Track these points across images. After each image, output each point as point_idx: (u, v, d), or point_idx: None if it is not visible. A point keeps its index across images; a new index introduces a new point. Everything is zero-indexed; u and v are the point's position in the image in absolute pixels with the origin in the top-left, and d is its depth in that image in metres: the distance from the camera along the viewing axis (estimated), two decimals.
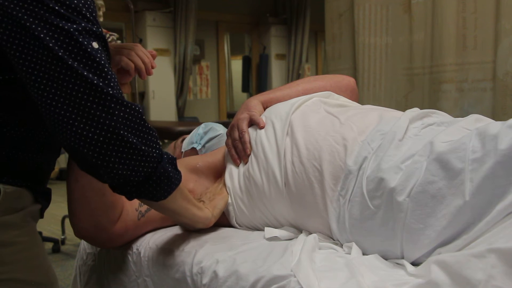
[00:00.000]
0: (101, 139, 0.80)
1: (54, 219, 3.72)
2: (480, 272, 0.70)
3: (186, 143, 1.54)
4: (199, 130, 1.55)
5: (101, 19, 3.01)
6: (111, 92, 0.80)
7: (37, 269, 0.90)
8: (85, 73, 0.78)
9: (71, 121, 0.79)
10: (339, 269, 0.88)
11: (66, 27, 0.78)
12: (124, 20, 6.00)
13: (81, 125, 0.79)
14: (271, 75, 7.79)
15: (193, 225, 1.11)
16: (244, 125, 1.23)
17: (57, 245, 3.22)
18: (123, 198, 1.13)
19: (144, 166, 0.85)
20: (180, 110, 6.70)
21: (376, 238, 0.95)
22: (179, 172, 0.93)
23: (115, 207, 1.09)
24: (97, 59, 0.80)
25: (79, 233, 1.09)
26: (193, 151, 1.51)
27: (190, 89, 7.03)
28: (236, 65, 8.69)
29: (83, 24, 0.80)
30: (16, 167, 0.88)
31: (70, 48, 0.78)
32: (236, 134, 1.22)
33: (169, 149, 1.62)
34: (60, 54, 0.77)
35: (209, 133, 1.53)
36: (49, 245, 3.23)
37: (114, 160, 0.82)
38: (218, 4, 7.21)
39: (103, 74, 0.80)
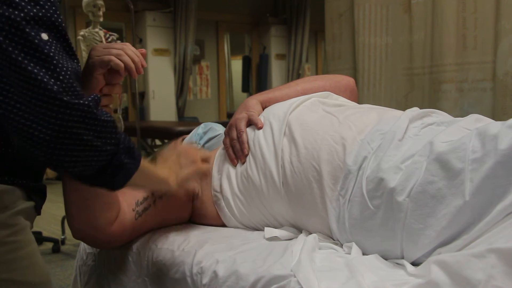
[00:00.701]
0: (47, 138, 0.77)
1: (54, 219, 3.72)
2: (480, 272, 0.70)
3: (186, 143, 1.54)
4: (199, 130, 1.55)
5: (101, 19, 3.01)
6: (56, 89, 0.76)
7: (30, 268, 0.89)
8: (30, 68, 0.74)
9: (17, 118, 0.76)
10: (339, 269, 0.88)
11: (12, 16, 0.74)
12: (124, 20, 6.01)
13: (28, 122, 0.76)
14: (271, 75, 7.79)
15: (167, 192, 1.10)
16: (242, 125, 1.23)
17: (57, 245, 3.22)
18: (120, 198, 1.13)
19: (97, 160, 0.83)
20: (180, 110, 6.71)
21: (376, 238, 0.95)
22: (136, 158, 0.90)
23: (112, 208, 1.09)
24: (45, 51, 0.76)
25: (76, 235, 1.09)
26: None
27: (190, 89, 7.03)
28: (236, 65, 8.69)
29: (33, 11, 0.76)
30: (5, 165, 0.87)
31: (16, 39, 0.74)
32: (234, 134, 1.22)
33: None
34: (4, 46, 0.73)
35: (209, 133, 1.53)
36: (49, 245, 3.23)
37: (64, 158, 0.80)
38: (218, 4, 7.21)
39: (51, 67, 0.76)
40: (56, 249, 3.20)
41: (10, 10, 0.74)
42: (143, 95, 6.33)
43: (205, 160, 1.19)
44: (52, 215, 3.77)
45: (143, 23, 6.18)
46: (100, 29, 3.03)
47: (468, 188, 0.83)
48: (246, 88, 7.91)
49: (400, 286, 0.79)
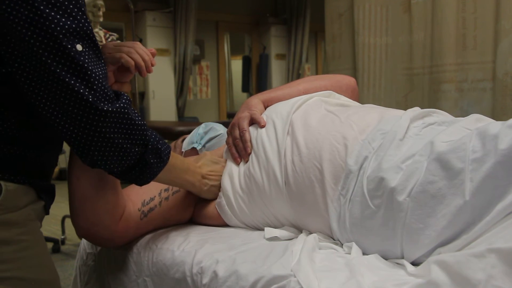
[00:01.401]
0: (83, 141, 0.87)
1: (54, 219, 3.71)
2: (480, 272, 0.70)
3: (186, 143, 1.54)
4: (199, 130, 1.55)
5: (101, 19, 3.02)
6: (92, 99, 0.83)
7: (39, 267, 0.91)
8: (67, 80, 0.81)
9: (57, 120, 0.84)
10: (339, 269, 0.88)
11: (50, 30, 0.78)
12: (124, 20, 6.01)
13: (66, 125, 0.85)
14: (271, 75, 7.79)
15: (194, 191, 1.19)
16: (245, 123, 1.23)
17: (57, 245, 3.22)
18: (126, 197, 1.13)
19: (126, 160, 0.92)
20: (180, 110, 6.70)
21: (376, 237, 0.95)
22: (162, 159, 0.99)
23: (117, 206, 1.09)
24: (80, 63, 0.82)
25: (80, 232, 1.09)
26: (193, 151, 1.51)
27: (190, 89, 7.03)
28: (236, 65, 8.69)
29: (68, 24, 0.80)
30: (18, 164, 0.88)
31: (54, 51, 0.79)
32: (237, 133, 1.22)
33: None
34: (43, 58, 0.79)
35: (209, 133, 1.53)
36: (49, 245, 3.23)
37: (97, 158, 0.90)
38: (218, 4, 7.21)
39: (86, 78, 0.83)
40: (56, 249, 3.20)
41: (47, 23, 0.78)
42: (143, 95, 6.33)
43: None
44: (52, 215, 3.75)
45: (143, 23, 6.18)
46: (100, 29, 3.03)
47: (468, 188, 0.83)
48: (246, 88, 7.90)
49: (400, 286, 0.79)
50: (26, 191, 0.89)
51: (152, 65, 1.06)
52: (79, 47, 0.82)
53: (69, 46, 0.80)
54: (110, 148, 0.89)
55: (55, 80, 0.80)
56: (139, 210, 1.15)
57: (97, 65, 0.85)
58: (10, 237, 0.85)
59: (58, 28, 0.79)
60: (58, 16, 0.79)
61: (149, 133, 0.94)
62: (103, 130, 0.86)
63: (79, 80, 0.82)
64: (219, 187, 1.21)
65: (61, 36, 0.79)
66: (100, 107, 0.84)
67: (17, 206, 0.87)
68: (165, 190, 1.19)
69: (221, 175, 1.22)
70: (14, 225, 0.86)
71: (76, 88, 0.82)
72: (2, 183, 0.85)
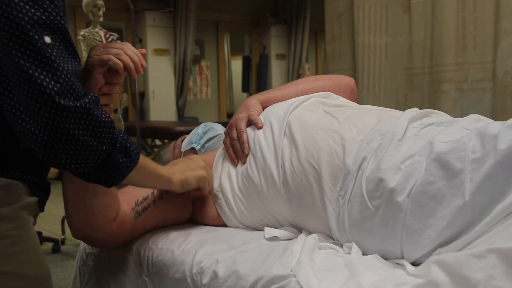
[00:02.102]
0: (45, 138, 0.81)
1: (54, 219, 3.72)
2: (480, 272, 0.70)
3: (186, 143, 1.54)
4: (199, 130, 1.55)
5: (101, 19, 3.01)
6: (55, 92, 0.79)
7: (31, 263, 0.90)
8: (31, 72, 0.78)
9: (15, 118, 0.81)
10: (339, 269, 0.88)
11: (17, 19, 0.76)
12: (124, 20, 6.01)
13: (30, 121, 0.80)
14: (271, 75, 7.79)
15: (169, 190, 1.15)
16: (242, 124, 1.23)
17: (57, 245, 3.22)
18: (120, 198, 1.13)
19: (93, 159, 0.87)
20: (180, 110, 6.71)
21: (376, 238, 0.95)
22: (132, 158, 0.94)
23: (111, 207, 1.09)
24: (47, 55, 0.79)
25: (75, 233, 1.09)
26: (192, 151, 1.51)
27: (190, 89, 7.03)
28: (236, 65, 8.69)
29: (37, 15, 0.78)
30: (9, 159, 0.87)
31: (19, 42, 0.77)
32: (234, 134, 1.22)
33: (169, 149, 1.62)
34: (8, 49, 0.77)
35: (209, 133, 1.53)
36: (49, 245, 3.23)
37: (61, 156, 0.84)
38: (218, 4, 7.21)
39: (52, 70, 0.79)
40: (56, 249, 3.20)
41: (15, 13, 0.76)
42: (143, 95, 6.33)
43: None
44: (52, 215, 3.77)
45: (143, 23, 6.18)
46: (100, 29, 3.03)
47: (468, 188, 0.83)
48: (246, 88, 7.90)
49: (400, 286, 0.79)
50: (19, 187, 0.89)
51: (142, 66, 1.05)
52: (47, 39, 0.79)
53: (36, 37, 0.78)
54: (75, 146, 0.84)
55: (19, 73, 0.77)
56: (133, 210, 1.14)
57: (66, 60, 0.82)
58: (1, 231, 0.85)
59: (26, 18, 0.77)
60: (27, 7, 0.77)
61: (117, 132, 0.91)
62: (66, 126, 0.81)
63: (44, 73, 0.78)
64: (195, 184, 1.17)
65: (28, 26, 0.77)
66: (63, 103, 0.80)
67: (8, 201, 0.87)
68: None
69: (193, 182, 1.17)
70: (5, 220, 0.86)
71: (39, 81, 0.78)
72: None
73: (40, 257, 0.93)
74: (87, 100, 0.83)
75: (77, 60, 0.85)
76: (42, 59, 0.78)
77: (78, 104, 0.82)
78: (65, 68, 0.81)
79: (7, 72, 0.79)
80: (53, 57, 0.79)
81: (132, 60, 1.02)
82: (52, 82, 0.79)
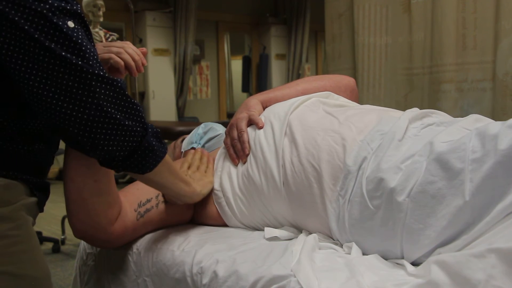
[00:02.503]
0: (85, 117, 0.83)
1: (54, 219, 3.72)
2: (480, 272, 0.70)
3: (186, 143, 1.54)
4: (199, 130, 1.55)
5: (101, 19, 3.02)
6: (90, 70, 0.82)
7: (30, 263, 0.90)
8: (63, 54, 0.80)
9: (54, 101, 0.81)
10: (339, 269, 0.88)
11: (39, 8, 0.78)
12: (124, 20, 6.01)
13: (65, 105, 0.81)
14: (271, 75, 7.79)
15: (179, 199, 1.13)
16: (243, 124, 1.23)
17: (57, 245, 3.22)
18: (122, 198, 1.13)
19: (129, 141, 0.87)
20: (180, 110, 6.70)
21: (376, 238, 0.95)
22: (164, 145, 0.95)
23: (113, 207, 1.09)
24: (74, 38, 0.81)
25: (77, 233, 1.09)
26: None
27: (190, 89, 7.03)
28: (236, 65, 8.69)
29: (55, 4, 0.80)
30: (9, 159, 0.88)
31: (45, 29, 0.79)
32: (235, 134, 1.22)
33: (169, 149, 1.62)
34: (36, 36, 0.78)
35: (209, 133, 1.53)
36: (49, 245, 3.23)
37: (99, 137, 0.85)
38: (218, 4, 7.21)
39: (81, 53, 0.81)
40: (56, 249, 3.20)
41: (36, 3, 0.78)
42: (143, 95, 6.33)
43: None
44: (52, 215, 3.77)
45: (143, 23, 6.18)
46: (100, 29, 3.03)
47: (468, 188, 0.83)
48: (246, 88, 7.90)
49: (400, 286, 0.79)
50: (18, 187, 0.89)
51: (143, 65, 1.05)
52: (70, 23, 0.82)
53: (60, 22, 0.80)
54: (113, 126, 0.85)
55: (52, 56, 0.79)
56: (135, 211, 1.14)
57: (90, 43, 0.85)
58: (1, 231, 0.85)
59: (47, 6, 0.79)
60: None
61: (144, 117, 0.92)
62: (99, 97, 0.83)
63: (74, 55, 0.81)
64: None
65: (50, 14, 0.79)
66: (91, 70, 0.82)
67: (8, 201, 0.87)
68: None
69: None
70: (5, 220, 0.86)
71: (74, 61, 0.80)
72: None
73: (39, 257, 0.93)
74: (119, 80, 0.86)
75: (93, 43, 0.87)
76: (70, 43, 0.81)
77: (108, 75, 0.84)
78: (92, 50, 0.84)
79: (37, 60, 0.80)
80: (79, 40, 0.82)
81: (133, 59, 1.03)
82: (85, 61, 0.81)
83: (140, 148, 0.90)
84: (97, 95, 0.83)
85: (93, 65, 0.82)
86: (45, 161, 0.96)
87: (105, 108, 0.84)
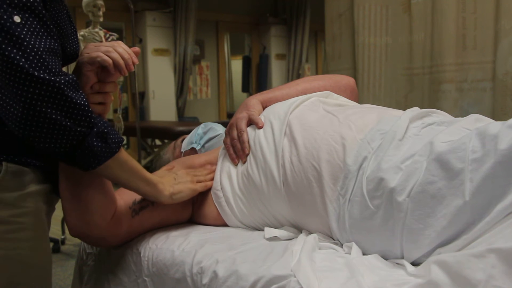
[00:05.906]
0: (19, 114, 0.84)
1: (54, 219, 3.69)
2: (480, 272, 0.70)
3: (186, 143, 1.54)
4: (199, 130, 1.55)
5: (101, 19, 3.01)
6: (30, 70, 0.82)
7: (32, 250, 0.91)
8: (1, 51, 0.81)
9: (1, 99, 0.83)
10: (339, 269, 0.88)
11: None
12: (124, 20, 6.00)
13: (6, 99, 0.83)
14: (271, 75, 7.79)
15: (146, 197, 1.14)
16: (243, 124, 1.23)
17: (57, 245, 3.22)
18: (117, 197, 1.13)
19: (67, 140, 0.88)
20: (180, 110, 6.70)
21: (376, 238, 0.95)
22: (109, 145, 0.95)
23: (108, 205, 1.09)
24: (17, 33, 0.81)
25: (72, 231, 1.09)
26: (192, 151, 1.51)
27: (190, 89, 7.02)
28: (236, 65, 8.69)
29: None
30: (20, 145, 0.89)
31: None
32: (235, 133, 1.22)
33: (169, 149, 1.62)
34: None
35: (209, 133, 1.53)
36: None
37: (34, 134, 0.86)
38: (218, 4, 7.21)
39: (22, 48, 0.82)
40: (56, 249, 3.20)
41: None
42: (143, 95, 6.33)
43: (210, 170, 1.25)
44: (52, 215, 3.76)
45: (143, 23, 6.18)
46: (100, 29, 3.03)
47: (468, 188, 0.83)
48: (246, 88, 7.90)
49: (400, 286, 0.79)
50: (27, 174, 0.90)
51: (134, 63, 1.05)
52: (16, 18, 0.82)
53: (5, 17, 0.81)
54: (48, 124, 0.85)
55: None
56: (130, 208, 1.14)
57: (40, 38, 0.84)
58: (3, 217, 0.86)
59: None
60: None
61: (98, 118, 0.92)
62: (39, 103, 0.83)
63: (14, 50, 0.81)
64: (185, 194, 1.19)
65: None
66: (36, 74, 0.82)
67: (14, 188, 0.88)
68: None
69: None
70: (8, 206, 0.87)
71: (12, 55, 0.81)
72: (4, 163, 0.86)
73: (44, 245, 0.94)
74: (60, 79, 0.85)
75: (54, 38, 0.87)
76: (11, 38, 0.81)
77: (52, 78, 0.84)
78: (37, 44, 0.83)
79: None
80: (22, 35, 0.82)
81: (123, 57, 1.01)
82: (23, 59, 0.82)
83: (80, 148, 0.90)
84: (29, 95, 0.83)
85: (33, 63, 0.82)
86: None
87: (41, 108, 0.84)
